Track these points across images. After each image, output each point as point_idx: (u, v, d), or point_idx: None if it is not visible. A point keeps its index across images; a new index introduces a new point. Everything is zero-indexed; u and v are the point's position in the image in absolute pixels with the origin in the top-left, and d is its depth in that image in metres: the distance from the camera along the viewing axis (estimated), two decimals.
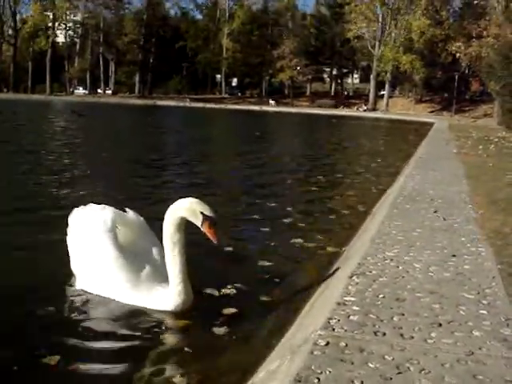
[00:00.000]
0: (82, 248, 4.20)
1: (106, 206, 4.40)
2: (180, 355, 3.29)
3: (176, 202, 3.74)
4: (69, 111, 32.24)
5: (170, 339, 3.53)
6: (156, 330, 3.60)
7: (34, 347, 3.27)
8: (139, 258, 4.07)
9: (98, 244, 4.06)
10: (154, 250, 4.22)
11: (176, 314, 3.76)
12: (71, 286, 4.21)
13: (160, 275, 3.93)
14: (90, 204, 4.50)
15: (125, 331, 3.58)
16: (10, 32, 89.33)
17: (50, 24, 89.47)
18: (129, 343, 3.42)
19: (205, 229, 3.65)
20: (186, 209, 3.67)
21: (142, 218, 4.49)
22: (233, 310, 3.84)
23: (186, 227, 3.77)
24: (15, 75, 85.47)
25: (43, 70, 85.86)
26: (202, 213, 3.63)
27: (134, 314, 3.79)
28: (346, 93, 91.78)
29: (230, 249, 5.37)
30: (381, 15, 75.09)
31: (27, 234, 5.56)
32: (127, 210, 4.51)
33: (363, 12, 73.71)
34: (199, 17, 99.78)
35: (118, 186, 9.26)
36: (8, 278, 4.38)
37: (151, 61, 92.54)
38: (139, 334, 3.53)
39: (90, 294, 4.06)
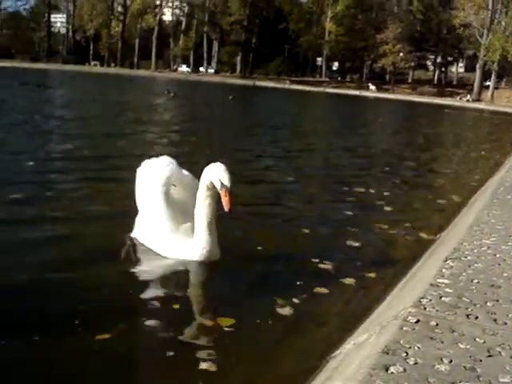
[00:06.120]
0: (140, 199, 4.50)
1: (173, 162, 4.56)
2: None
3: (210, 165, 3.95)
4: (164, 90, 32.95)
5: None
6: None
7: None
8: (184, 215, 4.25)
9: (151, 197, 4.30)
10: None
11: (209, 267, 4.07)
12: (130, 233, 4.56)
13: None
14: (160, 157, 4.65)
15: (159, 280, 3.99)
16: (120, 9, 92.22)
17: (158, 2, 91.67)
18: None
19: (221, 195, 3.86)
20: (210, 173, 3.89)
21: (196, 180, 4.58)
22: (324, 290, 3.80)
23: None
24: (122, 51, 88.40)
25: (149, 47, 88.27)
26: (220, 180, 3.81)
27: (170, 265, 4.12)
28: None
29: (321, 229, 5.40)
30: (491, 2, 71.79)
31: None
32: (184, 171, 4.67)
33: None
34: None
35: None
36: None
37: (254, 41, 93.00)
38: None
39: (139, 243, 4.40)
